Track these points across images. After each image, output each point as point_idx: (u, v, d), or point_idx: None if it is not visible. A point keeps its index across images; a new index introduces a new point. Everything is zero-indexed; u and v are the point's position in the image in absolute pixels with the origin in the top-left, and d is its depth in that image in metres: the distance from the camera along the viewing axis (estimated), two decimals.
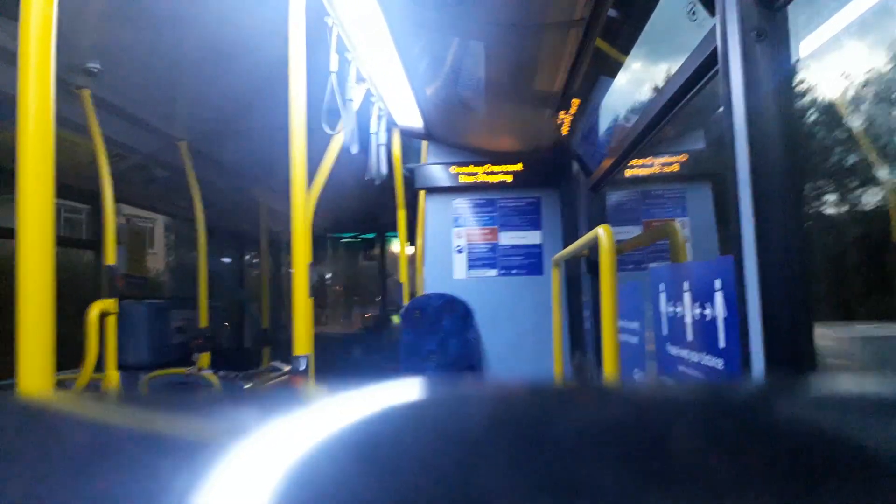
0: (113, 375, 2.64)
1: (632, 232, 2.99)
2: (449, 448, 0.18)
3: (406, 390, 0.22)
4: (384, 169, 2.90)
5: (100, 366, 2.55)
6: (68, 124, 2.70)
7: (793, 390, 0.26)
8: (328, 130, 2.18)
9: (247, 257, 6.82)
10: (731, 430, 0.21)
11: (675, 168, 2.99)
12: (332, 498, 0.16)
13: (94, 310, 2.43)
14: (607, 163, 2.32)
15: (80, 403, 0.28)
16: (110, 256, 2.63)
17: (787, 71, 1.04)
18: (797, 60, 1.14)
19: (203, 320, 3.71)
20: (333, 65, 2.12)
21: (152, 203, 4.79)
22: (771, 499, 0.17)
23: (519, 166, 3.55)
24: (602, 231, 1.67)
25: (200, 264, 3.71)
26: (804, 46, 1.69)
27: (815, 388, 0.27)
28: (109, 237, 2.64)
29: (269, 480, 0.17)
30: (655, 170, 3.02)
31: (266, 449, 0.19)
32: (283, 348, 4.48)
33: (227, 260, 6.39)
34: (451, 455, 0.18)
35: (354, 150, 2.31)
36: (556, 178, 3.52)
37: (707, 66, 1.30)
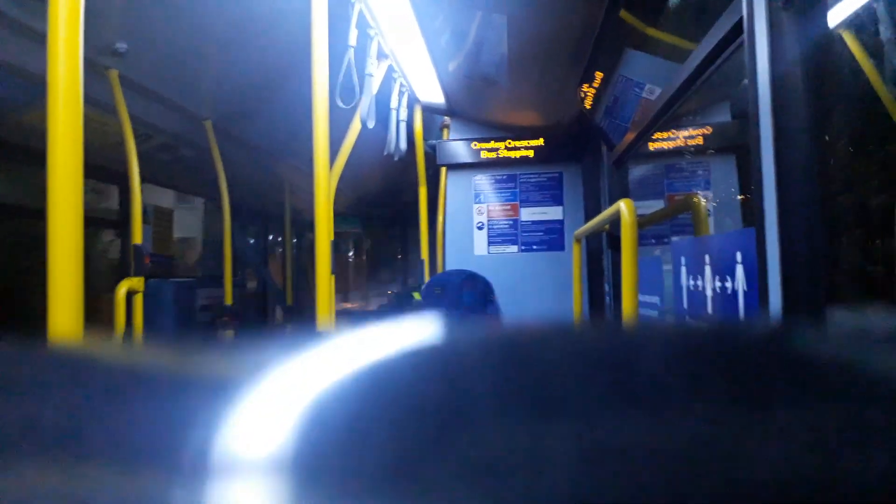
0: None
1: (655, 206, 2.96)
2: (463, 391, 0.19)
3: (423, 330, 0.23)
4: (403, 145, 2.90)
5: None
6: (97, 104, 2.74)
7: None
8: (341, 104, 2.17)
9: (271, 236, 6.91)
10: (751, 363, 0.21)
11: (699, 141, 2.94)
12: (350, 433, 0.17)
13: (122, 288, 2.47)
14: (630, 136, 2.29)
15: (106, 349, 0.30)
16: (137, 235, 2.67)
17: (815, 41, 1.02)
18: (826, 30, 1.11)
19: (228, 298, 3.77)
20: (352, 39, 2.12)
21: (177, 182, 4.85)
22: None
23: (540, 141, 3.52)
24: (624, 205, 1.66)
25: (226, 243, 3.77)
26: (833, 15, 1.64)
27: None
28: (136, 216, 2.68)
29: (287, 416, 0.18)
30: (679, 143, 2.98)
31: (284, 386, 0.20)
32: (306, 325, 4.55)
33: (251, 240, 6.48)
34: (466, 398, 0.19)
35: (371, 124, 2.31)
36: (578, 152, 3.48)
37: (732, 36, 1.28)
